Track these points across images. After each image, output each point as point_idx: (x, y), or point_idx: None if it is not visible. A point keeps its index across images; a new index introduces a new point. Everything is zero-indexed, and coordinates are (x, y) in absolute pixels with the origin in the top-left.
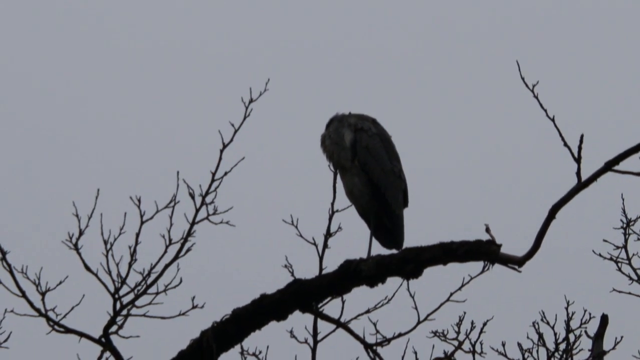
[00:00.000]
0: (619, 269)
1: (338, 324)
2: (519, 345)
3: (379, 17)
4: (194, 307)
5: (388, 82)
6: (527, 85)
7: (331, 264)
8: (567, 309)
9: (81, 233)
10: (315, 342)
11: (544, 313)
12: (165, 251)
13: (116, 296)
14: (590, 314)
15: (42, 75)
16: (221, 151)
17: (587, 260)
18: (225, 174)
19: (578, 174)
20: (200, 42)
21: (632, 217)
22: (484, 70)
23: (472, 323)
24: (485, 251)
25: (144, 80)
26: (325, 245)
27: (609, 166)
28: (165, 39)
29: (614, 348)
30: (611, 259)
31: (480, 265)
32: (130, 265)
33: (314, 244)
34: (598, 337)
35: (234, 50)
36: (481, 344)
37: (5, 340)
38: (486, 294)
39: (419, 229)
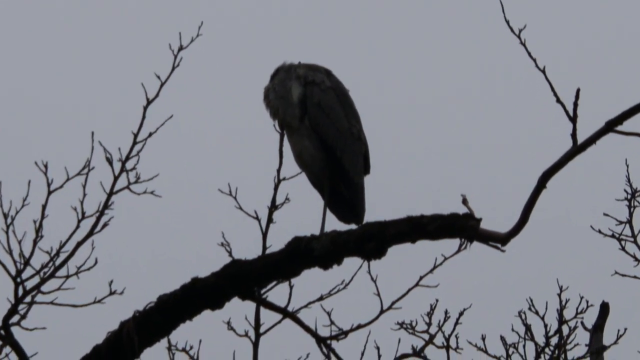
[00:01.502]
0: (623, 248)
1: (285, 313)
2: (502, 339)
3: None
4: (111, 293)
5: (346, 24)
6: (512, 30)
7: (277, 242)
8: (559, 295)
9: None
10: (258, 334)
11: (532, 301)
12: (78, 226)
13: (18, 280)
14: (587, 301)
15: None
16: (145, 108)
17: (584, 238)
18: (150, 135)
19: (573, 135)
20: None
21: (638, 186)
22: (461, 11)
23: (446, 313)
24: (461, 226)
25: (50, 23)
26: (269, 220)
27: (610, 126)
28: None
29: (615, 342)
30: (613, 236)
31: (456, 243)
32: (35, 242)
33: (256, 217)
34: (597, 329)
35: None
36: (457, 337)
37: None
38: (463, 278)
39: (383, 200)
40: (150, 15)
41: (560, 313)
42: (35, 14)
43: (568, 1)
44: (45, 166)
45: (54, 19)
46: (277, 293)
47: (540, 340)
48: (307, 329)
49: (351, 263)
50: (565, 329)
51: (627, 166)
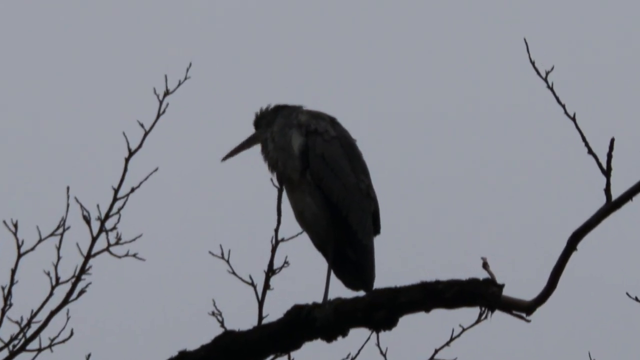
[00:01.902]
0: None
1: None
2: None
3: None
4: None
5: (354, 63)
6: (538, 72)
7: (275, 311)
8: None
9: None
10: None
11: None
12: (51, 293)
13: None
14: None
15: None
16: (126, 160)
17: (620, 306)
18: (132, 190)
19: (607, 190)
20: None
21: None
22: (481, 49)
23: None
24: (481, 293)
25: (21, 62)
26: (266, 286)
27: None
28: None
29: None
30: None
31: (476, 312)
32: (3, 312)
33: (252, 284)
34: None
35: (144, 29)
36: None
37: None
38: (483, 352)
39: (395, 264)
40: (133, 57)
41: None
42: (5, 55)
43: (600, 39)
44: (15, 226)
45: (26, 56)
46: None
47: None
48: None
49: (358, 334)
50: None
51: None
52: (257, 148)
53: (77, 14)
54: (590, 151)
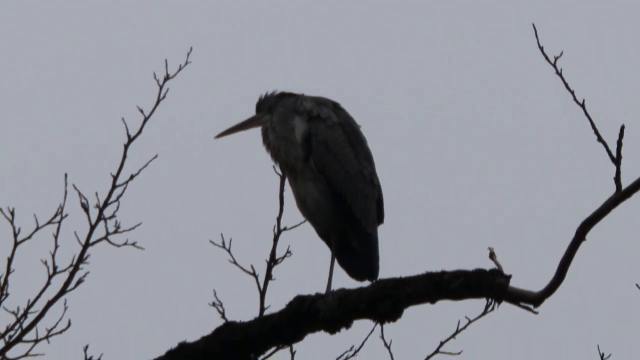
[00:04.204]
0: None
1: None
2: None
3: None
4: (87, 359)
5: (358, 52)
6: (547, 58)
7: (277, 302)
8: None
9: None
10: None
11: None
12: (49, 283)
13: None
14: None
15: None
16: (126, 146)
17: (630, 298)
18: (132, 177)
19: (617, 179)
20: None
21: None
22: (489, 34)
23: None
24: (488, 285)
25: (18, 49)
26: (268, 276)
27: None
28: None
29: None
30: None
31: (482, 304)
32: None
33: (254, 274)
34: None
35: (144, 13)
36: None
37: None
38: (490, 344)
39: (400, 253)
40: (132, 41)
41: None
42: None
43: (611, 24)
44: (12, 213)
45: (27, 40)
46: None
47: None
48: None
49: (362, 326)
50: None
51: None
52: (256, 132)
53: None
54: (600, 139)
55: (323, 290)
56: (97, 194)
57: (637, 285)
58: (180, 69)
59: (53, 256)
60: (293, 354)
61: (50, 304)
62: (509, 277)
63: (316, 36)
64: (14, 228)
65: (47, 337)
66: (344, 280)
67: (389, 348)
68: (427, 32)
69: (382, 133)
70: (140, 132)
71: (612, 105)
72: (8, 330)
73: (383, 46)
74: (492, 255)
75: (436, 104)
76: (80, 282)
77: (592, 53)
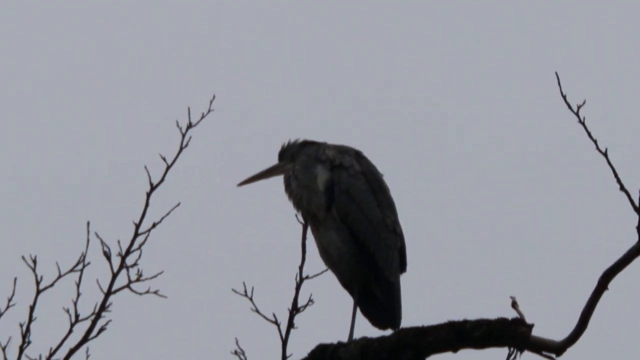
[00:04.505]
0: None
1: None
2: None
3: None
4: None
5: (379, 102)
6: (569, 106)
7: (299, 350)
8: None
9: None
10: None
11: None
12: (71, 330)
13: None
14: None
15: None
16: (148, 194)
17: None
18: (154, 225)
19: (639, 228)
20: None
21: None
22: (510, 81)
23: None
24: (510, 334)
25: (40, 91)
26: (290, 324)
27: None
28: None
29: None
30: None
31: (504, 352)
32: (21, 349)
33: (276, 322)
34: None
35: (167, 61)
36: None
37: None
38: None
39: (421, 302)
40: (155, 90)
41: None
42: (23, 81)
43: (634, 69)
44: (34, 261)
45: (48, 85)
46: None
47: None
48: None
49: None
50: None
51: None
52: (278, 181)
53: (103, 45)
54: (622, 187)
55: (345, 339)
56: (119, 241)
57: None
58: (202, 117)
59: (75, 304)
60: None
61: (72, 351)
62: (531, 326)
63: (319, 39)
64: (36, 276)
65: None
66: (365, 329)
67: None
68: (446, 69)
69: (400, 175)
70: (162, 179)
71: (635, 152)
72: None
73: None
74: (514, 304)
75: (455, 152)
76: (102, 329)
77: (615, 99)
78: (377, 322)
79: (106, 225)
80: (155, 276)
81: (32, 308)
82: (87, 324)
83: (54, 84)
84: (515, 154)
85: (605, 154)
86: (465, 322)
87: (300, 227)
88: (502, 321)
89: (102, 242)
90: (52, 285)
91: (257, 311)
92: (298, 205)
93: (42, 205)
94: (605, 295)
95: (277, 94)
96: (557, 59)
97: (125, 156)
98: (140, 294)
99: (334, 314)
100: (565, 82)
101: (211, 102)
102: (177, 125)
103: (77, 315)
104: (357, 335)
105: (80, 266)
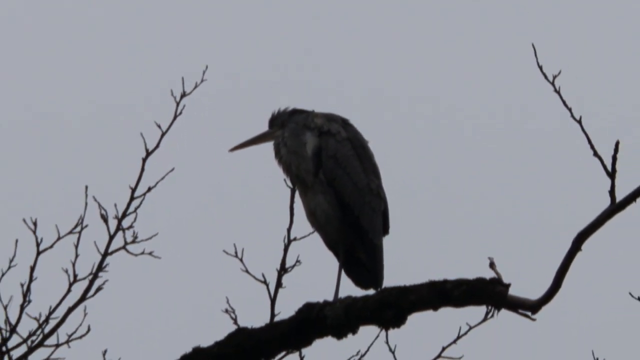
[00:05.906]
0: None
1: None
2: None
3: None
4: None
5: (365, 64)
6: (545, 77)
7: (286, 309)
8: None
9: None
10: None
11: None
12: (69, 290)
13: (3, 349)
14: None
15: None
16: (144, 160)
17: (624, 306)
18: (149, 189)
19: (611, 192)
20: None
21: None
22: (488, 52)
23: None
24: (488, 293)
25: (38, 61)
26: (278, 284)
27: None
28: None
29: None
30: None
31: (482, 311)
32: (22, 308)
33: (264, 281)
34: None
35: (164, 33)
36: None
37: None
38: (489, 350)
39: (404, 263)
40: (150, 60)
41: None
42: (21, 51)
43: (608, 42)
44: (34, 224)
45: (47, 54)
46: None
47: None
48: None
49: (367, 332)
50: None
51: None
52: (268, 147)
53: (99, 15)
54: (595, 154)
55: (330, 298)
56: (115, 205)
57: (630, 294)
58: (195, 86)
59: (73, 265)
60: (302, 358)
61: (70, 310)
62: (507, 286)
63: (321, 40)
64: (36, 237)
65: (67, 342)
66: (350, 289)
67: (393, 353)
68: (426, 41)
69: (382, 141)
70: (157, 146)
71: (607, 120)
72: (30, 335)
73: (390, 52)
74: (492, 265)
75: (435, 116)
76: (99, 289)
77: (589, 68)
78: (360, 283)
79: (103, 190)
80: (150, 238)
81: (32, 268)
82: (85, 283)
83: (59, 44)
84: (494, 122)
85: (579, 122)
86: (446, 281)
87: (288, 191)
88: (480, 281)
89: (100, 206)
90: (51, 246)
91: (247, 271)
92: (287, 170)
93: (42, 170)
94: (578, 256)
95: (271, 57)
96: (534, 32)
97: (122, 123)
98: (136, 255)
99: (321, 274)
100: (542, 54)
101: (204, 73)
102: (172, 94)
103: (75, 276)
104: (342, 294)
105: (78, 228)
